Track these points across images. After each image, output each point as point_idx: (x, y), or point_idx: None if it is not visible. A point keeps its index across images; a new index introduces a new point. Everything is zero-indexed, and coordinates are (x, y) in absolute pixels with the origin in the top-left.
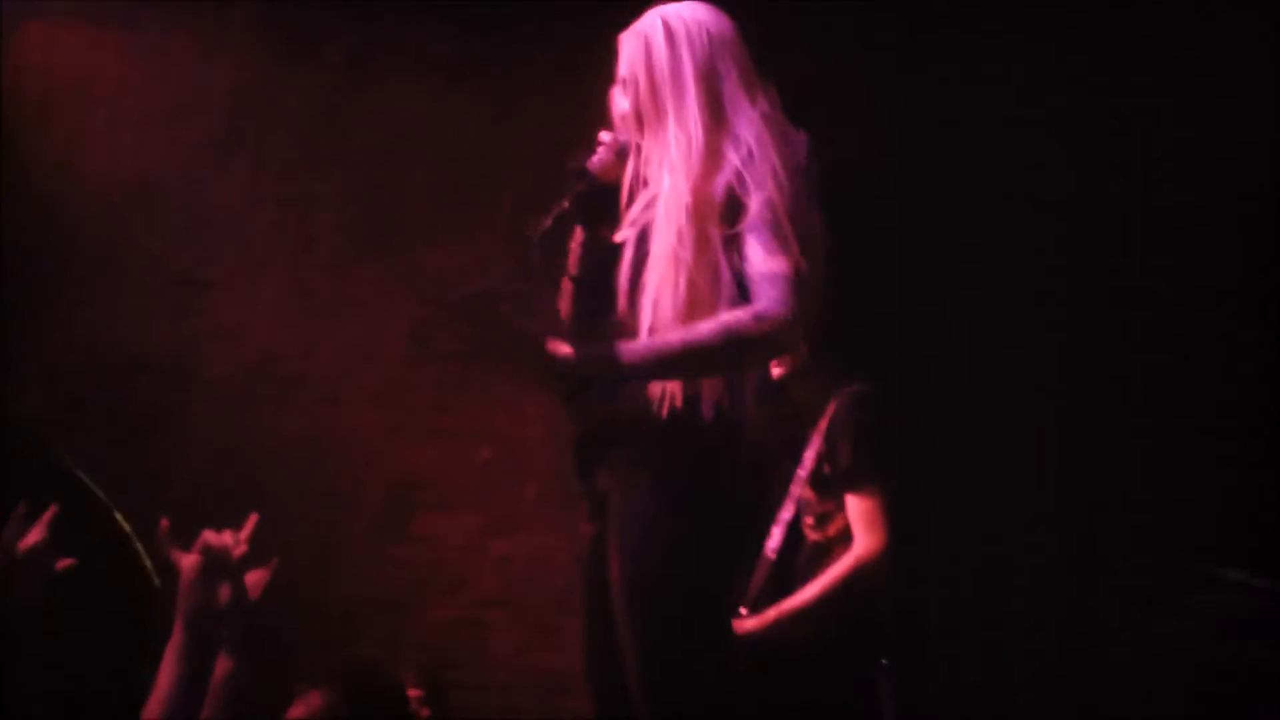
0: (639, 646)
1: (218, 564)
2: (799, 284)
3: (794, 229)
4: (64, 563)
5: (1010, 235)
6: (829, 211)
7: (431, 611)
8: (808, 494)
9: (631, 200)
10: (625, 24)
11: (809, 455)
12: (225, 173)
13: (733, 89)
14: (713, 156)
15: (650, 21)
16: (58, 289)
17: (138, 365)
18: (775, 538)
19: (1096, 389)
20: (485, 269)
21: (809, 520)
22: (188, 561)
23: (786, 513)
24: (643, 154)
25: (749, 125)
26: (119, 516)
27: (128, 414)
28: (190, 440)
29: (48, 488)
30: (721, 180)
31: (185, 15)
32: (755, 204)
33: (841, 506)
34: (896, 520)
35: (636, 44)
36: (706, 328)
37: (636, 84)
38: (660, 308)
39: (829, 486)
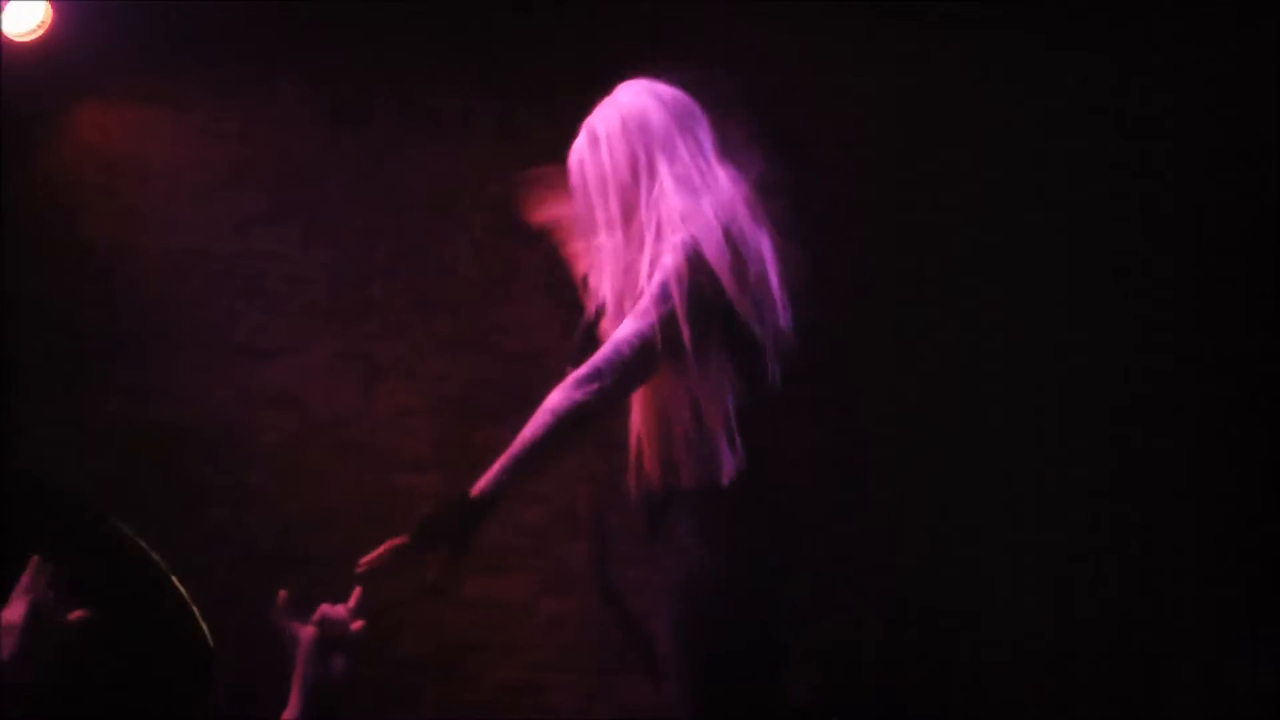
0: None
1: (334, 636)
2: (637, 345)
3: (698, 287)
4: (76, 614)
5: (1008, 236)
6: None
7: (485, 675)
8: None
9: None
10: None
11: None
12: (277, 242)
13: (654, 172)
14: (626, 260)
15: (584, 127)
16: (115, 358)
17: (192, 432)
18: None
19: (1100, 391)
20: (532, 331)
21: None
22: (305, 634)
23: None
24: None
25: (665, 205)
26: (175, 580)
27: (182, 480)
28: (244, 506)
29: (100, 551)
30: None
31: (233, 92)
32: (655, 277)
33: None
34: None
35: (572, 154)
36: (535, 421)
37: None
38: None
39: None
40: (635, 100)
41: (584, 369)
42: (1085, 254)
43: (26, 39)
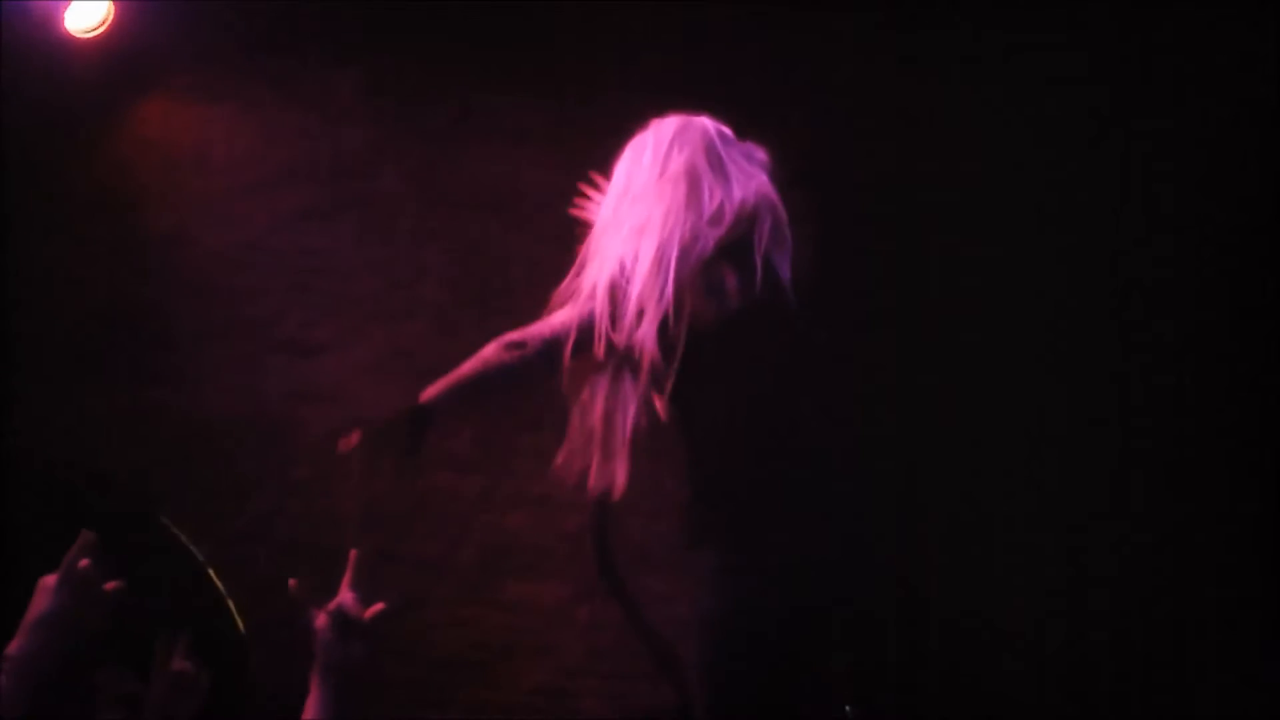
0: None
1: (351, 622)
2: (560, 331)
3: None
4: (111, 585)
5: (1011, 236)
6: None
7: (519, 679)
8: None
9: None
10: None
11: None
12: (330, 239)
13: (631, 198)
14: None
15: None
16: (165, 349)
17: (240, 424)
18: None
19: (1100, 394)
20: None
21: None
22: (320, 620)
23: None
24: None
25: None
26: (211, 573)
27: (228, 473)
28: (288, 500)
29: (141, 542)
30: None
31: (295, 88)
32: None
33: None
34: None
35: None
36: (472, 363)
37: None
38: None
39: None
40: (634, 141)
41: (515, 334)
42: (1086, 254)
43: (90, 36)
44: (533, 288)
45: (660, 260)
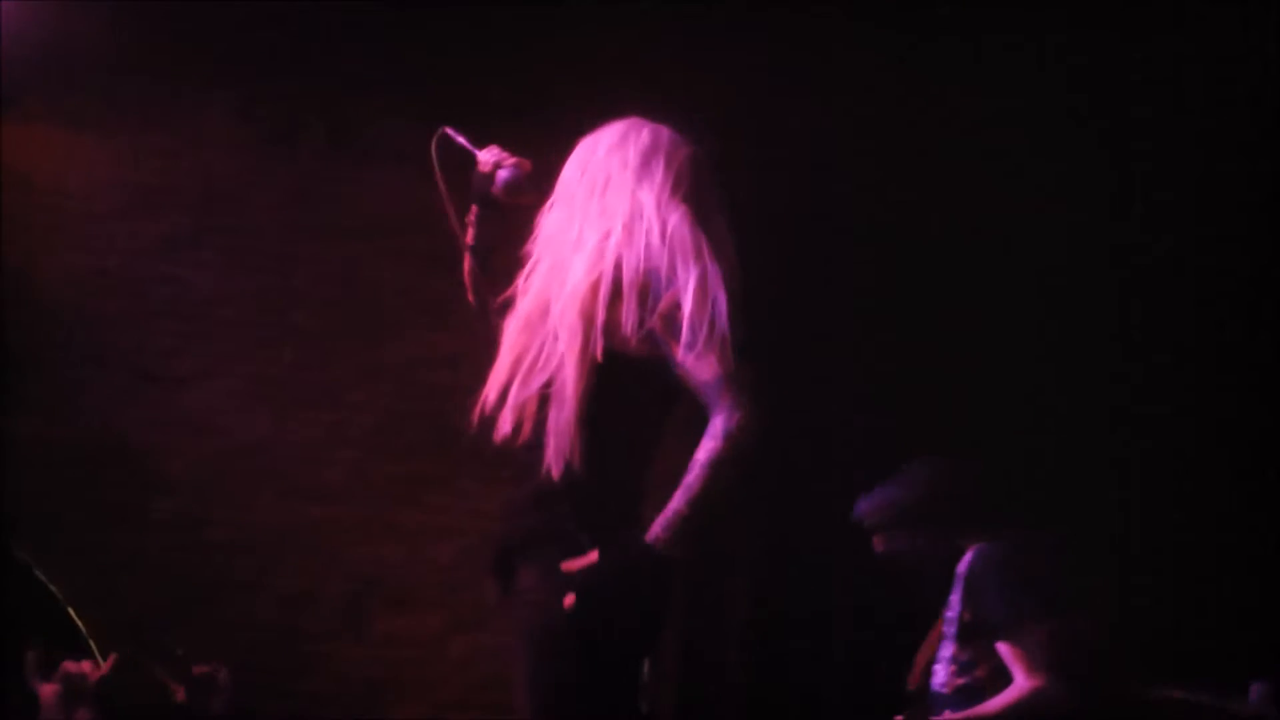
0: None
1: (75, 690)
2: (738, 379)
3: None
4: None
5: (1008, 237)
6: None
7: (391, 712)
8: (952, 642)
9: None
10: (596, 123)
11: (954, 600)
12: (196, 266)
13: (631, 195)
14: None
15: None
16: (27, 381)
17: (104, 454)
18: (940, 675)
19: (1095, 395)
20: (454, 363)
21: (953, 668)
22: (46, 690)
23: (946, 651)
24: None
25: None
26: (70, 611)
27: (92, 505)
28: (153, 533)
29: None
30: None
31: (160, 114)
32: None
33: (986, 654)
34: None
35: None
36: (694, 477)
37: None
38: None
39: (973, 637)
40: (582, 143)
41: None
42: (1083, 253)
43: None
44: (405, 317)
45: (706, 288)
